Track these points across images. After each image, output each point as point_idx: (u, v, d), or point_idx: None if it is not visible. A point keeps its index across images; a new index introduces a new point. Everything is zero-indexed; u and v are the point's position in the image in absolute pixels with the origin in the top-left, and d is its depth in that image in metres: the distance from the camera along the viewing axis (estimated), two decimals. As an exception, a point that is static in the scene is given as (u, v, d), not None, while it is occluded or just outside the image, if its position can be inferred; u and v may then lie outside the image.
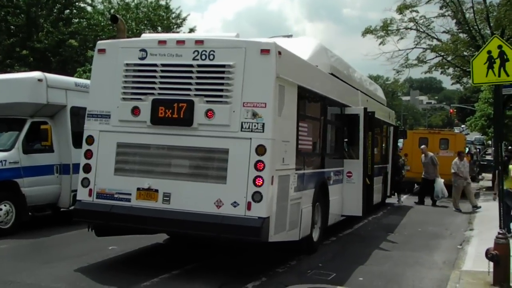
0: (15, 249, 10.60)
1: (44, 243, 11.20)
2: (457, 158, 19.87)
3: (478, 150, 41.91)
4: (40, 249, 10.60)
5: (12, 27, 37.79)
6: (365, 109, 13.42)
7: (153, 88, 8.79)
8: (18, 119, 12.61)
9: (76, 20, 40.38)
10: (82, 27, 38.95)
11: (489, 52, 8.92)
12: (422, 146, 22.01)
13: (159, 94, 8.75)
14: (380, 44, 31.68)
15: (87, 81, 12.46)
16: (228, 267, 9.49)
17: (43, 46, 35.80)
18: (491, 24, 28.44)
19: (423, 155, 21.33)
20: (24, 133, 12.38)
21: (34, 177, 12.30)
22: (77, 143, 11.75)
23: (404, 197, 23.08)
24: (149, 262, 9.75)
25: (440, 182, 20.37)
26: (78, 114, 12.65)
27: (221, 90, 8.45)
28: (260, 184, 8.09)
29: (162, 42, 8.93)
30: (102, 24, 39.18)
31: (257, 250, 9.78)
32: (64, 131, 13.08)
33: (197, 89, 8.55)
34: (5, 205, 11.70)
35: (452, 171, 19.43)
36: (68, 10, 39.77)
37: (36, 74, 12.84)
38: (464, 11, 29.81)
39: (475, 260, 10.16)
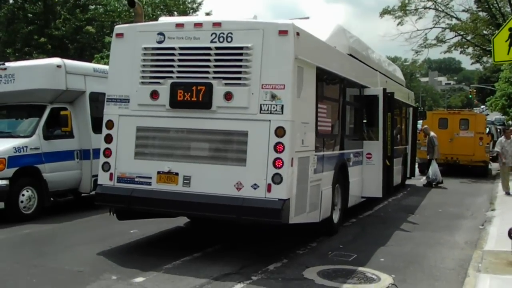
0: (38, 233, 10.73)
1: (66, 228, 11.31)
2: (503, 136, 18.58)
3: (499, 130, 41.47)
4: (63, 234, 10.74)
5: (29, 15, 38.07)
6: (384, 90, 13.30)
7: (172, 72, 8.77)
8: (38, 106, 12.70)
9: (93, 7, 40.54)
10: (99, 14, 39.10)
11: (510, 29, 8.78)
12: (425, 127, 21.56)
13: (178, 77, 8.73)
14: (398, 24, 31.66)
15: (105, 67, 12.52)
16: (249, 249, 9.51)
17: (61, 33, 36.02)
18: (512, 2, 28.06)
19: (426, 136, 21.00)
20: (44, 119, 12.47)
21: (55, 162, 12.42)
22: (96, 129, 11.83)
23: (423, 179, 22.94)
24: (170, 245, 9.82)
25: (434, 164, 20.14)
26: (97, 100, 12.73)
27: (240, 72, 8.41)
28: (279, 166, 8.06)
29: (179, 25, 8.88)
30: (118, 10, 39.29)
31: (277, 232, 9.80)
32: (84, 116, 13.17)
33: (215, 72, 8.52)
34: (27, 191, 11.82)
35: (496, 150, 18.34)
36: (84, -3, 39.90)
37: (55, 60, 12.93)
38: (484, -12, 29.44)
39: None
